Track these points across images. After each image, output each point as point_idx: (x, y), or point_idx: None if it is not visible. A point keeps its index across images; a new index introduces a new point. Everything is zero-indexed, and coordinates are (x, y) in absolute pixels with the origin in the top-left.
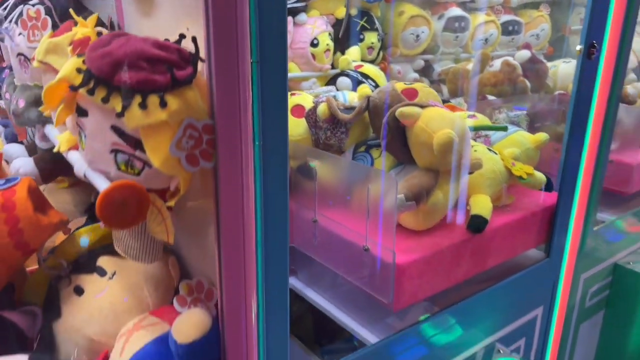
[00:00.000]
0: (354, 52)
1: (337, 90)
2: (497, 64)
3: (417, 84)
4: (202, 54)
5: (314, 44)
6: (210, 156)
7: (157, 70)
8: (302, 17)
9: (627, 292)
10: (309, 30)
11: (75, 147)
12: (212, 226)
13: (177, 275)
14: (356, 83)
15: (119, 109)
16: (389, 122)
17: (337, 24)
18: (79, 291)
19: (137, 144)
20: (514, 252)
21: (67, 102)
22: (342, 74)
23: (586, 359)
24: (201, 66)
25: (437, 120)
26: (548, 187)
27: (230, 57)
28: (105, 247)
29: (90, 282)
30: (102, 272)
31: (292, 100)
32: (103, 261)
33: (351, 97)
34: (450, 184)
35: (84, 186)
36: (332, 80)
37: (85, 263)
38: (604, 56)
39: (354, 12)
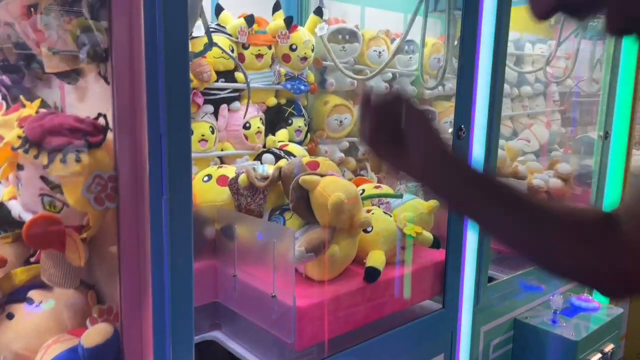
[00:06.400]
0: (281, 134)
1: (262, 164)
2: None
3: (320, 158)
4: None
5: (246, 127)
6: (113, 198)
7: (75, 137)
8: (235, 104)
9: (528, 345)
10: (241, 115)
11: (14, 198)
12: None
13: (95, 305)
14: (278, 158)
15: (45, 162)
16: (294, 188)
17: (268, 111)
18: (10, 316)
19: (59, 189)
20: (409, 302)
21: (10, 160)
22: (268, 151)
23: None
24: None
25: (332, 186)
26: (436, 245)
27: (130, 128)
28: (35, 284)
29: (20, 309)
30: (30, 302)
31: (218, 171)
32: (32, 293)
33: (269, 169)
34: (346, 239)
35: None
36: (258, 157)
37: (18, 295)
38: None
39: (282, 101)
